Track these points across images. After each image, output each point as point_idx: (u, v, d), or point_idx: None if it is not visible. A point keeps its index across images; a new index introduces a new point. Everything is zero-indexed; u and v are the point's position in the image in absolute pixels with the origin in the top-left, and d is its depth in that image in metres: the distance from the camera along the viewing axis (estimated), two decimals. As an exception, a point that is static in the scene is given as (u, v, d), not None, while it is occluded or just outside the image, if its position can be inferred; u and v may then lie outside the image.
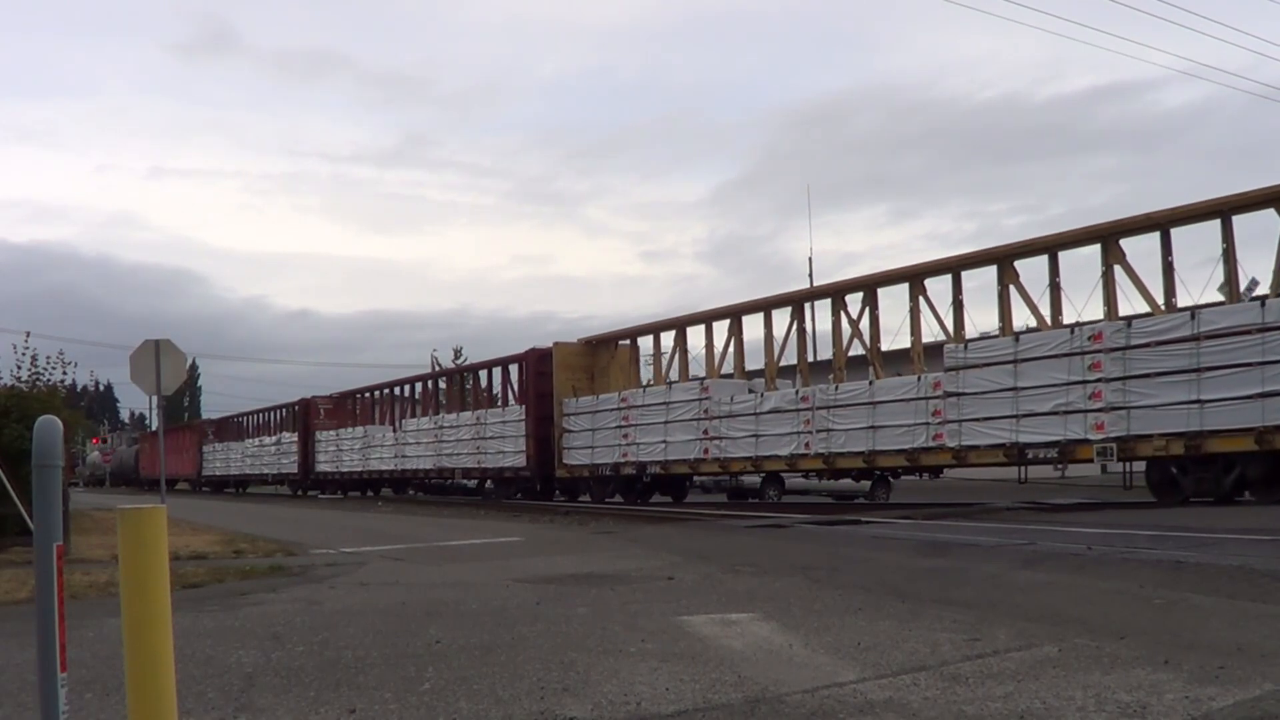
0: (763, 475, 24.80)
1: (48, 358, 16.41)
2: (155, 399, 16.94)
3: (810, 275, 43.17)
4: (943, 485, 26.14)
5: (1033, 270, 18.48)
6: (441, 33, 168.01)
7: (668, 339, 25.91)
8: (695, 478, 25.90)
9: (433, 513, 23.65)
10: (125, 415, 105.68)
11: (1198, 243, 17.71)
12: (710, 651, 5.65)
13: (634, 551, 12.11)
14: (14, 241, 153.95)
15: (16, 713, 4.62)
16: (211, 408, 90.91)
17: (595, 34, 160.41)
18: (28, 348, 16.21)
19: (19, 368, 16.00)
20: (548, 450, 27.13)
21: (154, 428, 53.65)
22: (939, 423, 18.30)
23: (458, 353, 62.53)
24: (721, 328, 24.14)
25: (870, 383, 19.83)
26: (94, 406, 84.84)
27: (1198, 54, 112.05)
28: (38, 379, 15.97)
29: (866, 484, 26.85)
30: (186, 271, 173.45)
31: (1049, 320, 17.72)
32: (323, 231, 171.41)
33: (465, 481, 35.11)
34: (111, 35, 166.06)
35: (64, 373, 16.67)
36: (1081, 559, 9.35)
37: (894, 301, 21.19)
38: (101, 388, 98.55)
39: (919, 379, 18.90)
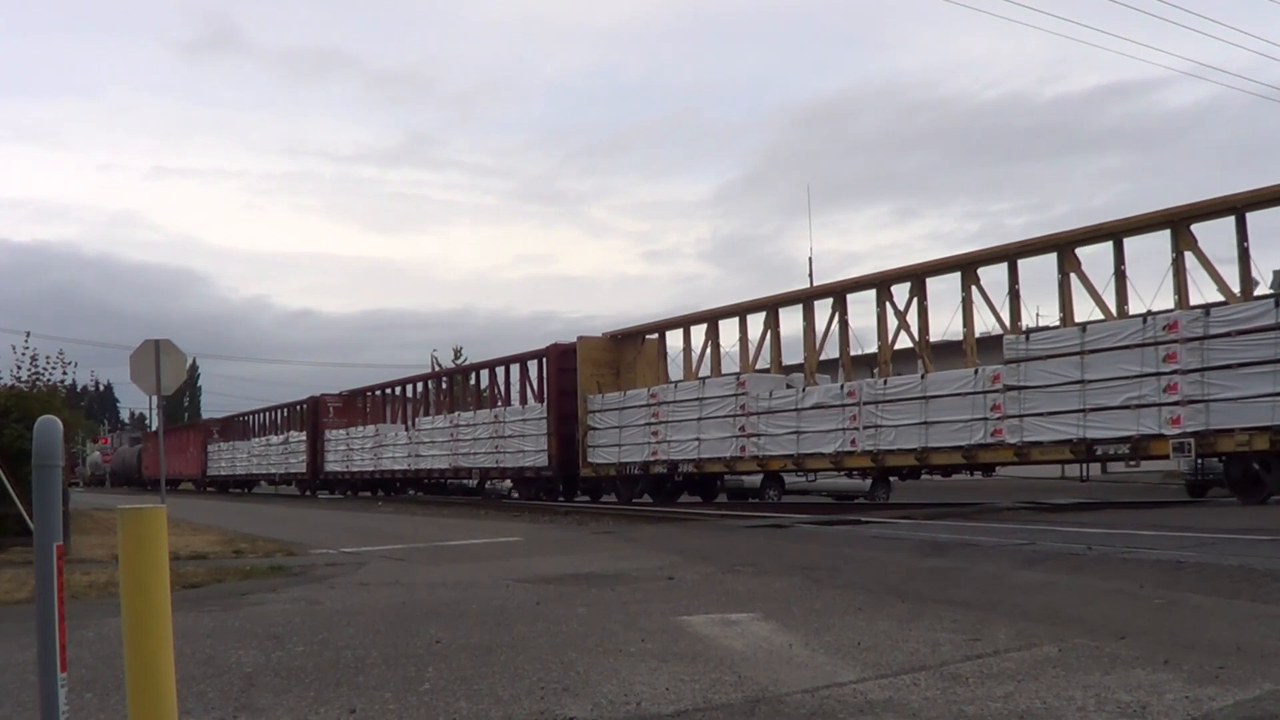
0: (764, 475, 24.56)
1: (48, 358, 16.40)
2: (155, 399, 16.93)
3: (810, 275, 43.11)
4: (943, 485, 26.12)
5: (1092, 258, 17.71)
6: (445, 32, 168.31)
7: (698, 333, 24.84)
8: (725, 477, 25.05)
9: (433, 513, 23.64)
10: (125, 415, 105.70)
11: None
12: (710, 651, 5.65)
13: (634, 551, 12.11)
14: (16, 241, 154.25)
15: (16, 713, 4.62)
16: (212, 408, 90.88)
17: (599, 34, 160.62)
18: (27, 348, 16.22)
19: (19, 368, 16.00)
20: (571, 449, 26.19)
21: (154, 427, 53.52)
22: (998, 418, 17.36)
23: (458, 353, 62.45)
24: (756, 321, 23.16)
25: (922, 376, 18.91)
26: (94, 406, 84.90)
27: (1202, 55, 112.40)
28: (38, 379, 15.95)
29: (866, 484, 26.84)
30: (188, 271, 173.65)
31: (1114, 310, 16.84)
32: (325, 231, 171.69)
33: (465, 481, 34.82)
34: (115, 34, 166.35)
35: (64, 373, 16.65)
36: (1081, 559, 9.35)
37: (939, 291, 20.35)
38: (101, 388, 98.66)
39: (976, 372, 17.99)
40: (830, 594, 7.97)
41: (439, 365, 51.92)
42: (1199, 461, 16.44)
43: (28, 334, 16.56)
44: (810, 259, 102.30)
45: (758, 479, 25.41)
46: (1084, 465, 17.79)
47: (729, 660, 5.40)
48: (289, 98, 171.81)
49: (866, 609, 7.09)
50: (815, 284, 23.41)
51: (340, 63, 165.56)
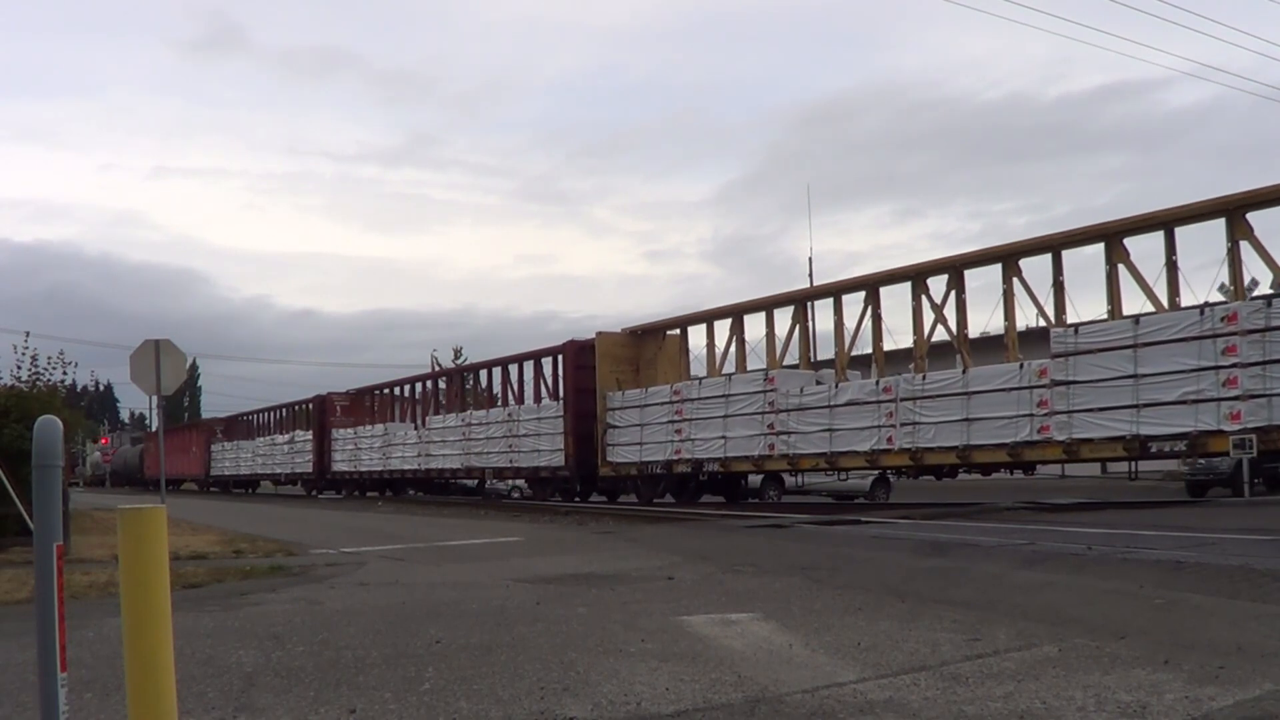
0: (763, 475, 24.42)
1: (48, 358, 16.42)
2: (155, 399, 16.94)
3: (810, 275, 43.02)
4: (943, 485, 26.12)
5: (1141, 249, 16.97)
6: (447, 32, 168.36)
7: (721, 329, 23.96)
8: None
9: (433, 513, 23.65)
10: (125, 415, 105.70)
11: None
12: (710, 651, 5.65)
13: (634, 551, 12.11)
14: (18, 241, 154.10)
15: (16, 713, 4.62)
16: (212, 408, 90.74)
17: (601, 33, 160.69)
18: (27, 348, 16.24)
19: (19, 368, 16.02)
20: (589, 448, 25.45)
21: (154, 427, 53.35)
22: (1045, 414, 16.64)
23: (457, 353, 62.39)
24: (784, 315, 22.32)
25: (964, 371, 18.22)
26: (94, 406, 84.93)
27: (1203, 55, 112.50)
28: (38, 379, 15.96)
29: (867, 484, 26.82)
30: (190, 271, 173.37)
31: (1165, 302, 16.10)
32: (326, 231, 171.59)
33: (465, 481, 34.63)
34: (117, 34, 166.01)
35: (64, 373, 16.67)
36: (1081, 559, 9.35)
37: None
38: (101, 388, 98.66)
39: (1022, 367, 17.28)
40: (830, 594, 7.97)
41: (439, 365, 51.79)
42: (1264, 453, 15.64)
43: (27, 334, 16.59)
44: (810, 259, 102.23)
45: (758, 479, 25.36)
46: (1133, 464, 17.24)
47: (729, 660, 5.40)
48: (290, 97, 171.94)
49: (866, 609, 7.09)
50: (841, 279, 22.23)
51: (342, 62, 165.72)
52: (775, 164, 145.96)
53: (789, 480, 25.86)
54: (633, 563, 10.73)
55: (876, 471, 24.43)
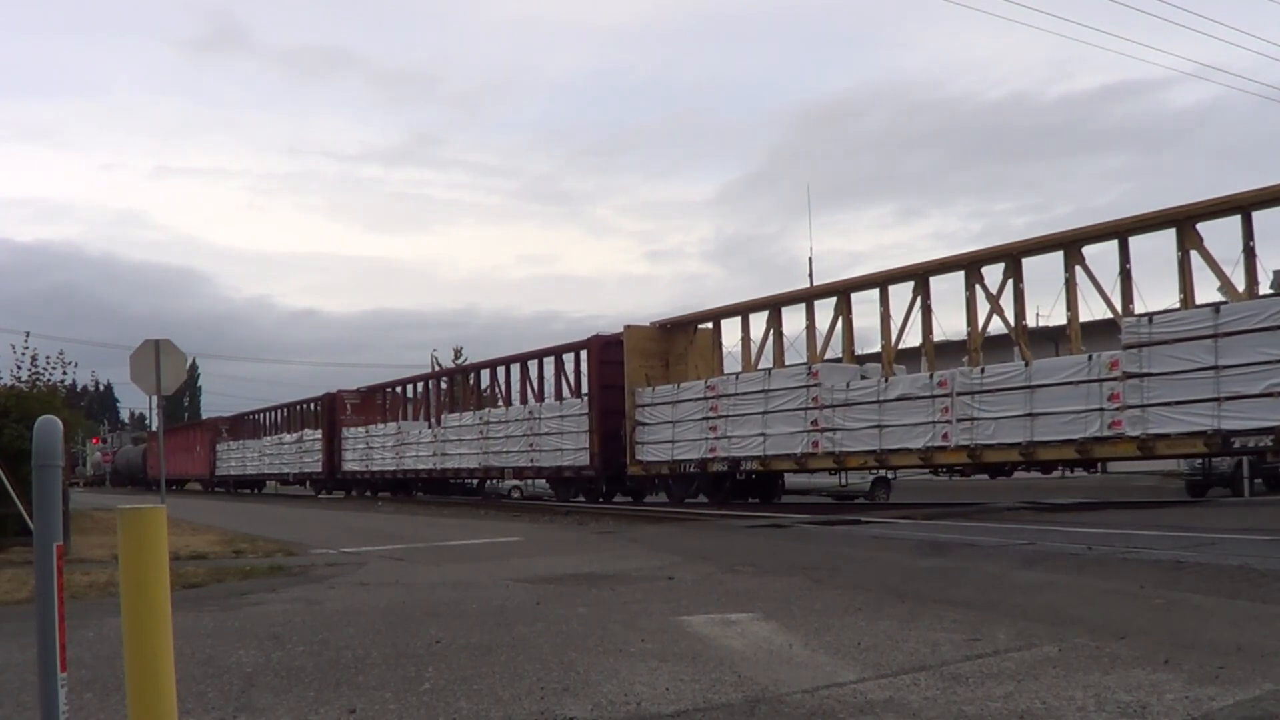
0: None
1: (48, 358, 16.44)
2: (155, 399, 16.94)
3: (810, 275, 42.99)
4: (943, 485, 26.17)
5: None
6: (450, 32, 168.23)
7: (757, 321, 22.90)
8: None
9: (433, 513, 23.64)
10: (125, 415, 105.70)
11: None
12: (710, 651, 5.65)
13: (634, 551, 12.12)
14: (19, 240, 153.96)
15: (16, 713, 4.62)
16: (213, 408, 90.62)
17: (602, 34, 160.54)
18: (27, 348, 16.25)
19: (19, 368, 16.03)
20: (615, 446, 24.46)
21: (155, 427, 53.26)
22: (1116, 409, 15.70)
23: (458, 353, 62.37)
24: (825, 307, 21.53)
25: (1026, 364, 17.30)
26: (94, 406, 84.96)
27: (1205, 55, 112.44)
28: (38, 379, 15.98)
29: (867, 484, 26.81)
30: (191, 271, 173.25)
31: (1240, 290, 15.27)
32: (328, 231, 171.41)
33: (467, 481, 34.48)
34: (120, 33, 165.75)
35: (64, 373, 16.69)
36: (1081, 559, 9.36)
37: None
38: (101, 388, 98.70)
39: (1090, 359, 16.33)
40: (830, 594, 7.97)
41: (439, 365, 51.69)
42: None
43: (27, 334, 16.61)
44: (810, 259, 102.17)
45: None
46: (1207, 460, 16.75)
47: (729, 660, 5.40)
48: (293, 97, 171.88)
49: (866, 609, 7.09)
50: (889, 269, 21.14)
51: (345, 62, 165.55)
52: (776, 164, 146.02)
53: (789, 480, 25.78)
54: (633, 563, 10.73)
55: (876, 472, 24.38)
